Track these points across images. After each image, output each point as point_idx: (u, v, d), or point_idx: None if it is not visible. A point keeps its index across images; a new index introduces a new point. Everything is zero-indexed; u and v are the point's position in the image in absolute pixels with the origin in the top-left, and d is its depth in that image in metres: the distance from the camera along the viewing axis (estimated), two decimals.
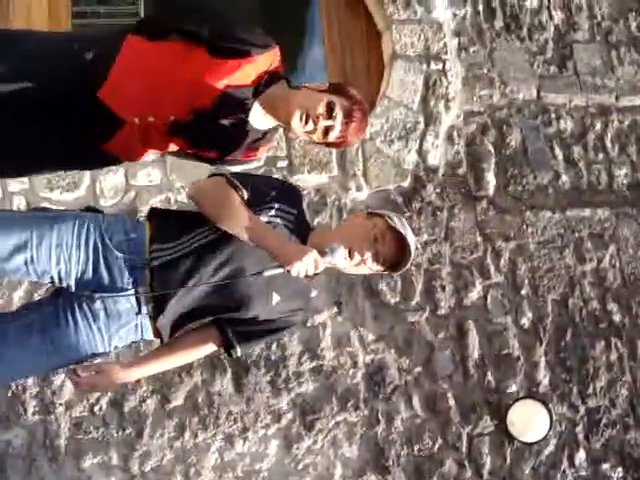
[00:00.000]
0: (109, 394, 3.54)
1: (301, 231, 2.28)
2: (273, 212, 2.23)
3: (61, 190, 3.73)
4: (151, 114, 2.26)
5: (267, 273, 2.12)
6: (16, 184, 3.70)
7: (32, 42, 2.29)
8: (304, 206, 2.41)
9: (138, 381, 3.52)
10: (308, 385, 3.74)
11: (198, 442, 3.64)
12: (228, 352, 2.34)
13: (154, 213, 2.34)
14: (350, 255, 2.19)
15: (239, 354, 2.35)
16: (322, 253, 2.12)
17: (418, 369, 3.84)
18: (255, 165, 3.86)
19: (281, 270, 2.10)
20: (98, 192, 3.77)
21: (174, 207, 3.78)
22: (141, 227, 2.24)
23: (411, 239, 2.23)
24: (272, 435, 3.69)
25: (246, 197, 2.20)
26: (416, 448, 3.79)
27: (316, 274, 2.16)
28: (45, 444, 3.53)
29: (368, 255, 2.20)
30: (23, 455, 3.51)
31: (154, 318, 2.21)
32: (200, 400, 3.66)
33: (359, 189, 3.96)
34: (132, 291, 2.17)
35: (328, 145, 2.35)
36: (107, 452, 3.57)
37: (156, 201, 3.78)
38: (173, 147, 2.40)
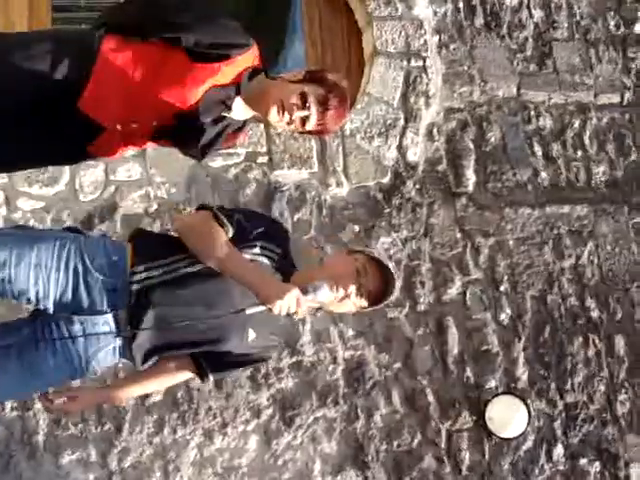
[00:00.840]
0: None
1: (285, 270, 2.26)
2: (257, 250, 2.22)
3: (40, 185, 3.72)
4: (133, 121, 2.25)
5: (249, 311, 2.11)
6: None
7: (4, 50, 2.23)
8: (290, 245, 2.36)
9: None
10: (287, 381, 3.74)
11: (177, 438, 3.64)
12: (201, 378, 2.36)
13: (136, 235, 2.33)
14: (334, 290, 2.17)
15: (210, 381, 2.38)
16: (305, 291, 2.11)
17: (397, 365, 3.85)
18: (235, 160, 3.89)
19: (263, 308, 2.09)
20: (77, 187, 3.76)
21: (154, 204, 3.78)
22: (123, 249, 2.22)
23: (393, 270, 2.22)
24: (252, 430, 3.70)
25: (231, 234, 2.20)
26: (395, 444, 3.80)
27: (296, 312, 2.14)
28: (23, 440, 3.52)
29: (352, 289, 2.18)
30: (1, 451, 3.49)
31: (131, 342, 2.19)
32: (179, 396, 3.66)
33: (339, 185, 3.97)
34: (111, 314, 2.15)
35: (310, 133, 2.35)
36: (86, 448, 3.56)
37: (135, 196, 3.78)
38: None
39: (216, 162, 3.86)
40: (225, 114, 2.29)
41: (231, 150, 3.87)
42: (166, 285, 2.17)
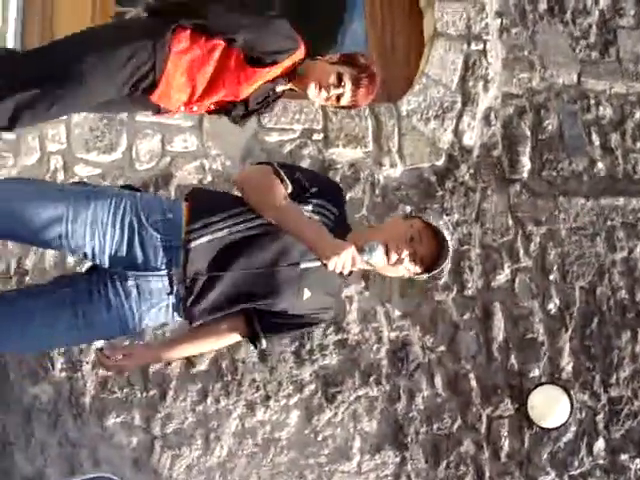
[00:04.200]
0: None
1: (339, 230, 2.27)
2: (311, 207, 2.24)
3: (98, 152, 3.77)
4: (195, 106, 2.63)
5: (303, 265, 2.13)
6: (54, 144, 3.74)
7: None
8: (346, 207, 2.41)
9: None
10: (332, 358, 3.76)
11: (220, 408, 3.68)
12: (253, 343, 2.38)
13: (192, 193, 2.37)
14: (387, 254, 2.18)
15: (264, 347, 2.38)
16: (360, 251, 2.12)
17: (442, 348, 3.85)
18: (290, 136, 3.90)
19: (318, 263, 2.10)
20: (134, 156, 3.80)
21: (209, 176, 3.81)
22: (178, 207, 2.25)
23: (448, 237, 2.22)
24: (293, 405, 3.73)
25: (290, 190, 2.22)
26: (435, 426, 3.81)
27: (350, 272, 2.15)
28: (71, 401, 3.59)
29: (405, 254, 2.19)
30: (49, 410, 3.57)
31: (185, 300, 2.22)
32: (224, 366, 3.70)
33: (393, 166, 3.95)
34: (165, 271, 2.18)
35: (343, 107, 2.72)
36: (130, 412, 3.62)
37: (190, 167, 3.81)
38: None
39: (272, 137, 3.88)
40: (274, 100, 2.70)
41: (287, 126, 3.90)
42: (222, 241, 2.20)
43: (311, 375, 3.74)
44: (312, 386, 3.74)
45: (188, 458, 3.64)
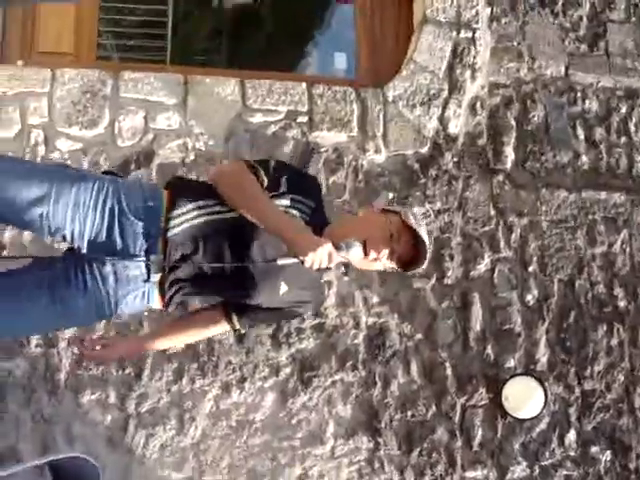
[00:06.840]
0: (111, 333, 3.57)
1: (317, 224, 2.27)
2: (289, 202, 2.23)
3: (80, 126, 3.73)
4: None
5: (280, 262, 2.12)
6: (36, 117, 3.69)
7: None
8: (322, 199, 2.39)
9: None
10: (308, 342, 3.76)
11: (195, 388, 3.67)
12: (233, 329, 2.41)
13: (172, 182, 2.35)
14: (365, 251, 2.18)
15: (242, 331, 2.42)
16: (337, 247, 2.11)
17: (419, 336, 3.85)
18: (275, 117, 3.87)
19: (295, 260, 2.09)
20: (116, 132, 3.76)
21: (191, 155, 3.78)
22: (159, 196, 2.24)
23: (426, 238, 2.21)
24: (269, 388, 3.72)
25: (266, 184, 2.21)
26: (409, 413, 3.82)
27: (328, 267, 2.15)
28: (46, 377, 3.57)
29: (384, 253, 2.19)
30: (23, 385, 3.54)
31: (161, 287, 2.22)
32: (201, 347, 3.69)
33: (377, 151, 3.94)
34: (143, 258, 2.18)
35: None
36: (105, 390, 3.60)
37: (173, 145, 3.78)
38: None
39: (256, 118, 3.85)
40: None
41: (272, 107, 3.87)
42: (200, 231, 2.19)
43: (287, 358, 3.74)
44: (288, 369, 3.74)
45: (162, 438, 3.63)
